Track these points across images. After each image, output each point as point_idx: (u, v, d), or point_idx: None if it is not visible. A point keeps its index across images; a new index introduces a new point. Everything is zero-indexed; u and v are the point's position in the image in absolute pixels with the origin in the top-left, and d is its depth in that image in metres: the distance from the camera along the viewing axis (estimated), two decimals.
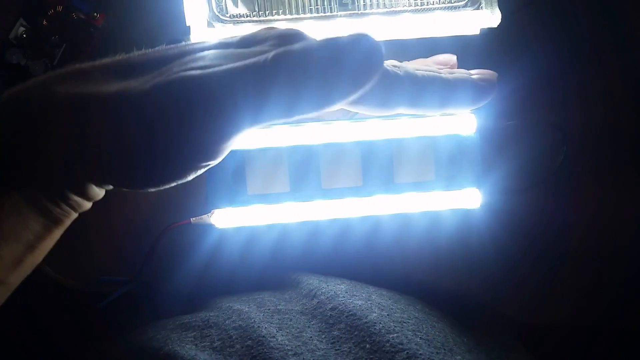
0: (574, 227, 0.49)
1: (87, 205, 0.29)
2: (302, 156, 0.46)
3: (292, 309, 0.41)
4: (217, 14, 0.40)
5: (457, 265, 0.48)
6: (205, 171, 0.29)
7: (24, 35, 0.46)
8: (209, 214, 0.44)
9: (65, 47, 0.47)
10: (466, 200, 0.44)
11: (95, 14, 0.47)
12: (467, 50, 0.46)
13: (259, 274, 0.48)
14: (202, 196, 0.45)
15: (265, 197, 0.45)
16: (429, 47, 0.45)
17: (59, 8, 0.47)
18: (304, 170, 0.46)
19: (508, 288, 0.48)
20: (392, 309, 0.39)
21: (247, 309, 0.40)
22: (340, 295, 0.40)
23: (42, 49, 0.47)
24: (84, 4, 0.47)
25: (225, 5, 0.40)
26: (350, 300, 0.39)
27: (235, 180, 0.45)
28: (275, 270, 0.47)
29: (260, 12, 0.41)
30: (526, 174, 0.48)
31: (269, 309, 0.41)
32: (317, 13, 0.41)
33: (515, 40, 0.46)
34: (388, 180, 0.45)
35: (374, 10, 0.42)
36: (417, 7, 0.42)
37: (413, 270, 0.49)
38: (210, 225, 0.44)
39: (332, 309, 0.39)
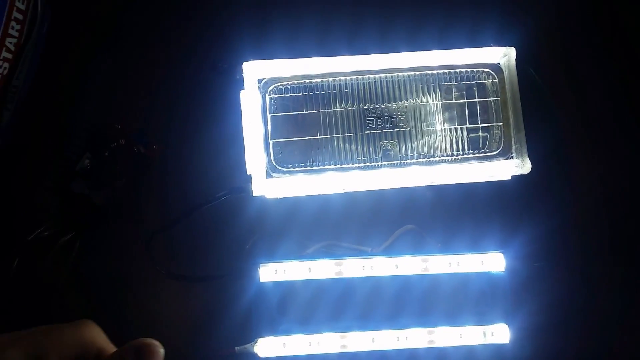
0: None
1: None
2: (342, 289, 0.49)
3: None
4: (274, 164, 0.44)
5: None
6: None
7: (89, 167, 0.50)
8: (253, 343, 0.47)
9: (125, 180, 0.51)
10: (497, 335, 0.47)
11: (154, 146, 0.51)
12: (500, 194, 0.50)
13: None
14: (245, 325, 0.47)
15: (306, 327, 0.47)
16: (465, 191, 0.49)
17: (122, 142, 0.51)
18: (343, 302, 0.49)
19: None
20: None
21: None
22: None
23: (104, 181, 0.50)
24: (144, 138, 0.52)
25: (282, 156, 0.44)
26: None
27: (279, 310, 0.48)
28: None
29: (312, 163, 0.45)
30: (551, 312, 0.50)
31: None
32: (363, 163, 0.45)
33: (544, 185, 0.50)
34: (422, 313, 0.48)
35: (414, 161, 0.46)
36: (452, 158, 0.47)
37: None
38: (254, 355, 0.46)
39: None
